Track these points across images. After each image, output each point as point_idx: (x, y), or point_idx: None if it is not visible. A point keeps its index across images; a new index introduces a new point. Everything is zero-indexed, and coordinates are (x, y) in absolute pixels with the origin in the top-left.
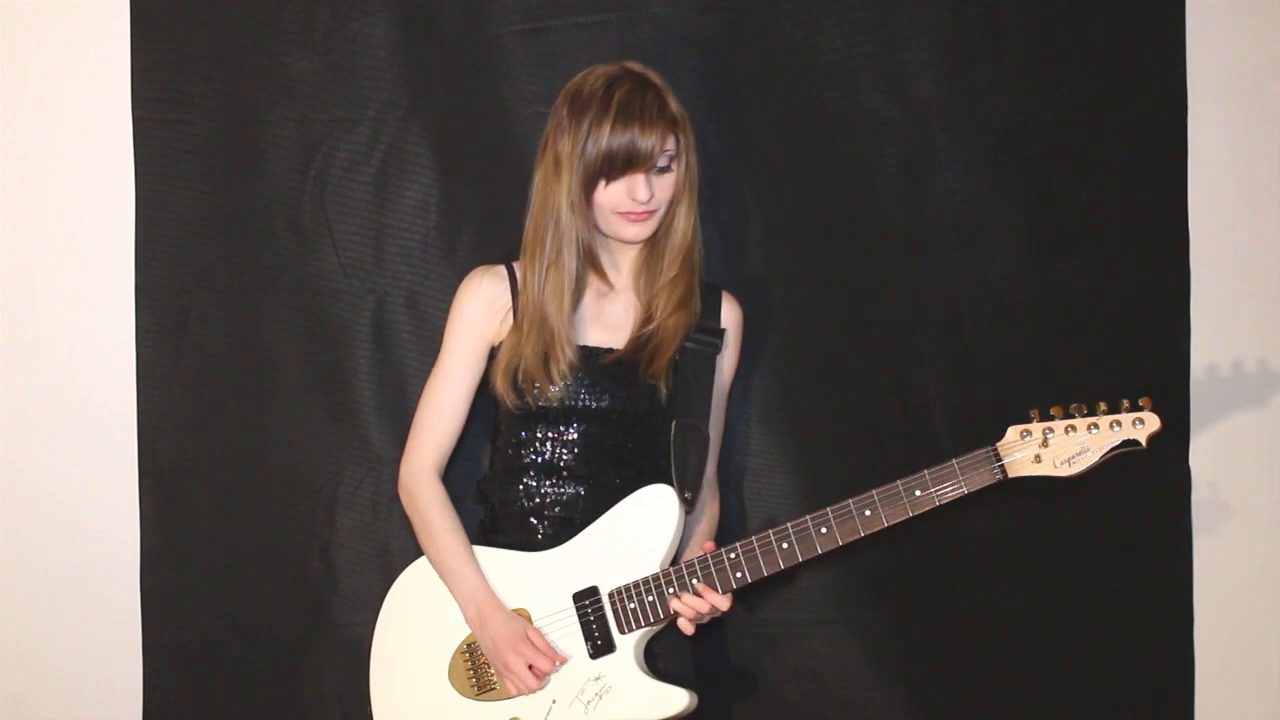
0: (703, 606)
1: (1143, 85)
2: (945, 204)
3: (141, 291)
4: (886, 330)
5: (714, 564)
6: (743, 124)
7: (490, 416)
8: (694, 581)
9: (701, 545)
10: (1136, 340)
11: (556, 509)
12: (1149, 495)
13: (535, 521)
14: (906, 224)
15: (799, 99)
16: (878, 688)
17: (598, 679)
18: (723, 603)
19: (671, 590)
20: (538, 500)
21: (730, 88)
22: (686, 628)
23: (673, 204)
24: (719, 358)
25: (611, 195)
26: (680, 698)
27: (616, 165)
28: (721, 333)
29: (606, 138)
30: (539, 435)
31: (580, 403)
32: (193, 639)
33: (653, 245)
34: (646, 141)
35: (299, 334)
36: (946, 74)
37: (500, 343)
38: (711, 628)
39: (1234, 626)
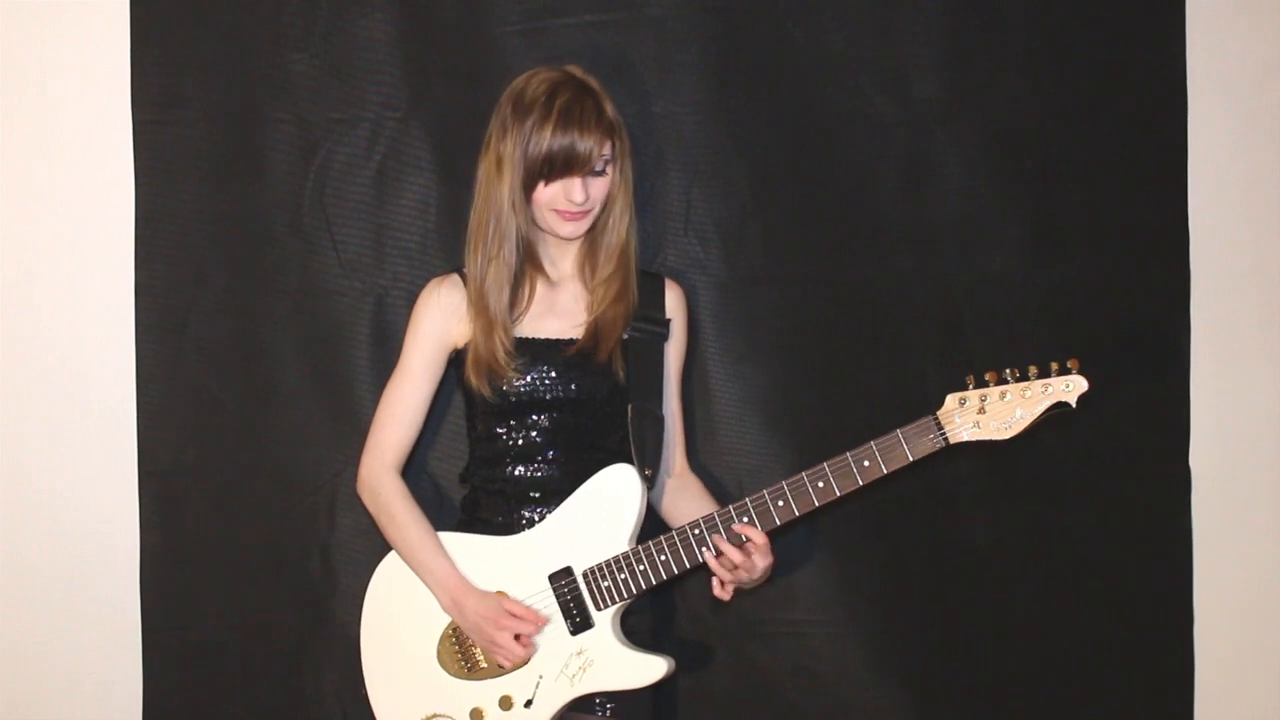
0: (736, 557)
1: (1143, 85)
2: (945, 204)
3: (141, 291)
4: (886, 330)
5: (678, 539)
6: (743, 124)
7: (467, 414)
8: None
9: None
10: (1136, 340)
11: (534, 492)
12: (1149, 495)
13: (515, 504)
14: (906, 224)
15: (799, 99)
16: (877, 687)
17: (580, 653)
18: (757, 538)
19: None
20: (516, 485)
21: (730, 87)
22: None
23: (608, 204)
24: (666, 345)
25: (549, 195)
26: (659, 665)
27: (555, 167)
28: (667, 322)
29: (547, 141)
30: (513, 426)
31: (549, 393)
32: (192, 638)
33: (592, 240)
34: (584, 145)
35: (299, 334)
36: (946, 74)
37: (466, 343)
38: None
39: (1234, 626)
